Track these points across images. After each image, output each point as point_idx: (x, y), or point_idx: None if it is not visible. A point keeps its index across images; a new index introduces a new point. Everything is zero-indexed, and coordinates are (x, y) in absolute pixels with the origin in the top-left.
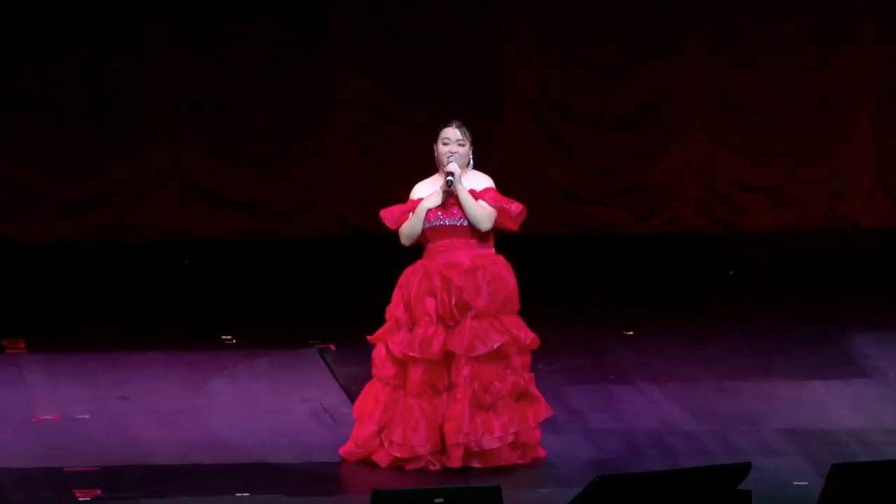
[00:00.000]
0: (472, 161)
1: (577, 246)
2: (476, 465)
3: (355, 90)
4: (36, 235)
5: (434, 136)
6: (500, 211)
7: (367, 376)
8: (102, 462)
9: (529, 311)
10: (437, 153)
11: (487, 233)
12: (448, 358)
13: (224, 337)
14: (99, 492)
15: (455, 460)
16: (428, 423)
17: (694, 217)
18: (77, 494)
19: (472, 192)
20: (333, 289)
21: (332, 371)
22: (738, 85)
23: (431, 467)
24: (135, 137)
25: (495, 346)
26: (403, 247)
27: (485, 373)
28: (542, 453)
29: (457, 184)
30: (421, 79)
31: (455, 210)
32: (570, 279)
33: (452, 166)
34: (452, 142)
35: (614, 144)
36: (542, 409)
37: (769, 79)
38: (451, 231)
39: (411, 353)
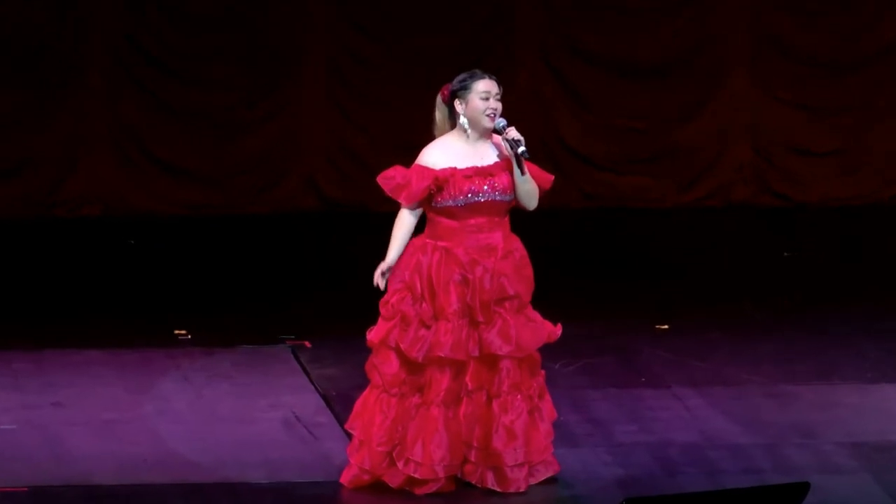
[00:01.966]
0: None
1: (595, 221)
2: (493, 485)
3: (330, 35)
4: None
5: (435, 87)
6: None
7: (349, 378)
8: (32, 481)
9: (539, 300)
10: (467, 109)
11: (508, 213)
12: (487, 361)
13: (177, 331)
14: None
15: (519, 484)
16: (451, 439)
17: (739, 187)
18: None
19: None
20: (308, 273)
21: (307, 373)
22: (793, 29)
23: (446, 489)
24: (66, 92)
25: (540, 342)
26: (396, 219)
27: (527, 375)
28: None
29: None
30: (409, 20)
31: (505, 181)
32: (589, 262)
33: (513, 131)
34: (492, 96)
35: (642, 98)
36: (551, 414)
37: (830, 23)
38: (492, 207)
39: (440, 354)
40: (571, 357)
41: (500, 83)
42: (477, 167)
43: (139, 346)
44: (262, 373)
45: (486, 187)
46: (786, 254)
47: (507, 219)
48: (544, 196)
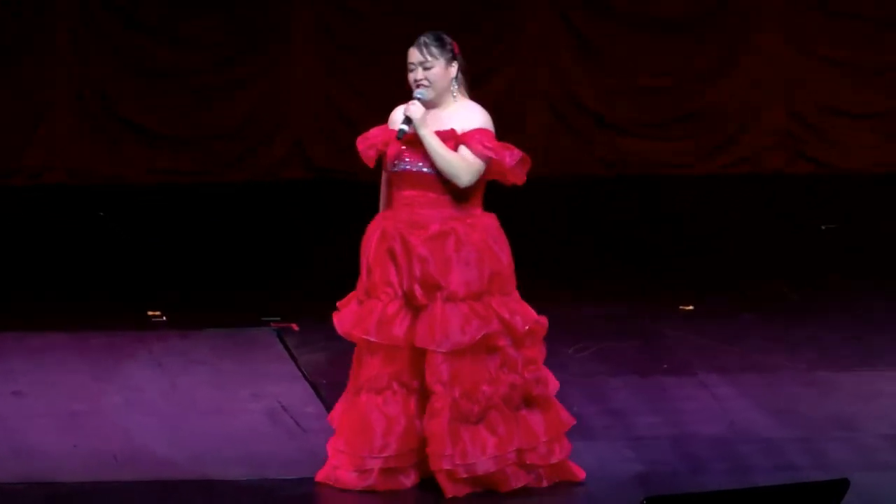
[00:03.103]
0: (455, 86)
1: (614, 190)
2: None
3: None
4: None
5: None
6: (492, 163)
7: (340, 365)
8: None
9: (551, 278)
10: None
11: (471, 188)
12: (422, 352)
13: (151, 312)
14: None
15: (447, 490)
16: (387, 429)
17: (773, 153)
18: None
19: (448, 133)
20: (295, 249)
21: (294, 358)
22: None
23: (403, 482)
24: (27, 50)
25: (477, 336)
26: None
27: (468, 374)
28: (577, 475)
29: (420, 128)
30: None
31: (423, 152)
32: (607, 234)
33: (414, 108)
34: (416, 66)
35: (665, 55)
36: (559, 419)
37: None
38: (421, 180)
39: (363, 336)
40: (587, 341)
41: (429, 47)
42: (411, 135)
43: (107, 328)
44: (244, 359)
45: (407, 157)
46: (823, 227)
47: (447, 197)
48: (558, 162)
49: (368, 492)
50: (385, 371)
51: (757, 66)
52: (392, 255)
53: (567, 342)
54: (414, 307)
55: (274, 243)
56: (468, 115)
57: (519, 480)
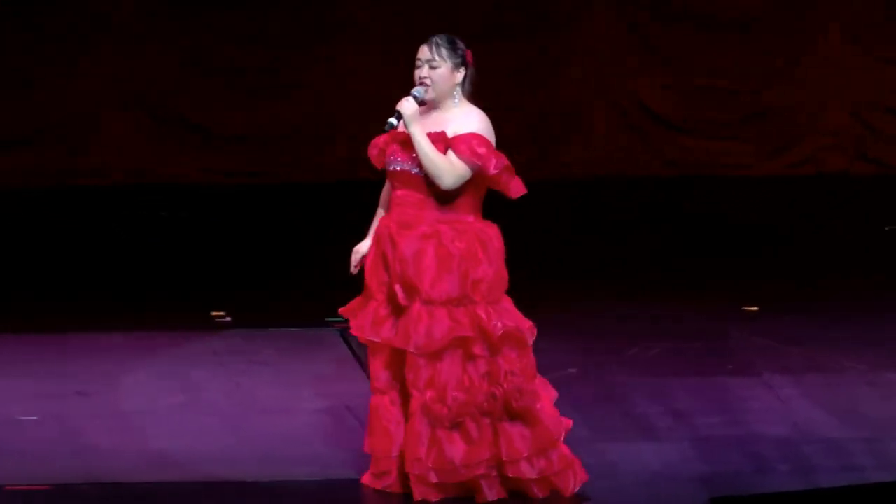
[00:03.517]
0: (459, 90)
1: (677, 190)
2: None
3: None
4: None
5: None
6: (477, 169)
7: None
8: (51, 478)
9: (613, 277)
10: None
11: (458, 192)
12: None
13: (214, 313)
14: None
15: (415, 493)
16: (396, 430)
17: (835, 154)
18: None
19: (438, 135)
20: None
21: (357, 358)
22: None
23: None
24: (86, 49)
25: (445, 341)
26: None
27: (442, 378)
28: (565, 488)
29: (409, 124)
30: None
31: (415, 153)
32: (668, 235)
33: (406, 104)
34: (423, 63)
35: (729, 55)
36: (546, 433)
37: None
38: (410, 180)
39: (358, 335)
40: (651, 341)
41: (440, 48)
42: (407, 135)
43: (171, 329)
44: (308, 359)
45: (399, 157)
46: (887, 228)
47: (433, 200)
48: (620, 162)
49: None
50: (386, 372)
51: (819, 67)
52: (384, 256)
53: (631, 342)
54: (397, 307)
55: (337, 244)
56: (465, 120)
57: (494, 492)
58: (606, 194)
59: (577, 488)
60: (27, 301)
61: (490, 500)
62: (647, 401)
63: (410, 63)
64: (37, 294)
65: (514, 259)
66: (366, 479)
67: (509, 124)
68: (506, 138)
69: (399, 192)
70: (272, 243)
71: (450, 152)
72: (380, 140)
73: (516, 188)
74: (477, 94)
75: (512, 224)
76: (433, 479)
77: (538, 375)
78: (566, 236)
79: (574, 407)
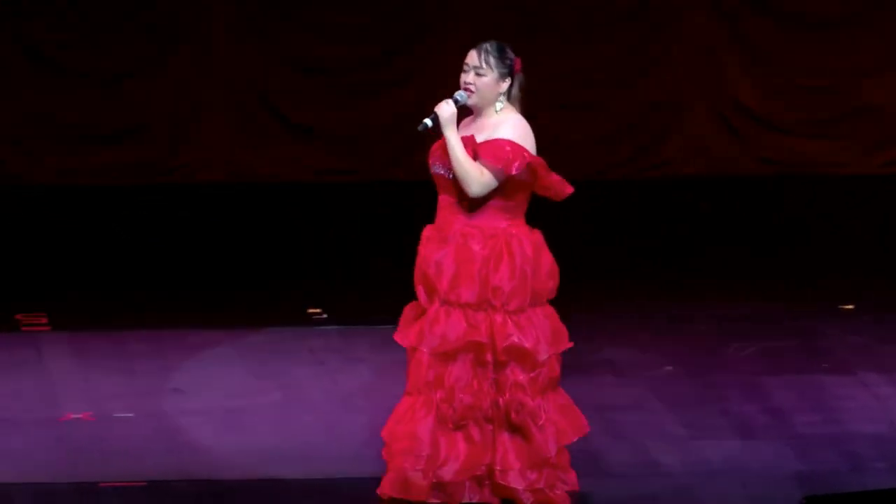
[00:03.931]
0: (503, 98)
1: (773, 189)
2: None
3: None
4: (50, 177)
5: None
6: (500, 175)
7: None
8: (148, 475)
9: (712, 276)
10: None
11: (488, 197)
12: None
13: (311, 310)
14: None
15: (412, 491)
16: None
17: None
18: None
19: (467, 139)
20: None
21: None
22: None
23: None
24: (183, 46)
25: (458, 344)
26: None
27: (451, 379)
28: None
29: (445, 127)
30: None
31: (448, 158)
32: (766, 234)
33: (445, 107)
34: (470, 69)
35: (826, 53)
36: (539, 452)
37: None
38: (445, 184)
39: (396, 338)
40: (747, 340)
41: (488, 56)
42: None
43: (267, 325)
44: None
45: (438, 161)
46: None
47: (465, 203)
48: (718, 161)
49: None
50: (411, 374)
51: None
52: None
53: (728, 341)
54: (421, 308)
55: None
56: (500, 127)
57: (477, 497)
58: (705, 194)
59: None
60: (123, 298)
61: (467, 501)
62: (742, 399)
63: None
64: (132, 291)
65: (608, 258)
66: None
67: (605, 122)
68: (602, 136)
69: (441, 197)
70: (370, 240)
71: (478, 159)
72: (439, 144)
73: (559, 189)
74: (560, 94)
75: (608, 221)
76: (431, 478)
77: (572, 407)
78: (661, 235)
79: (670, 405)
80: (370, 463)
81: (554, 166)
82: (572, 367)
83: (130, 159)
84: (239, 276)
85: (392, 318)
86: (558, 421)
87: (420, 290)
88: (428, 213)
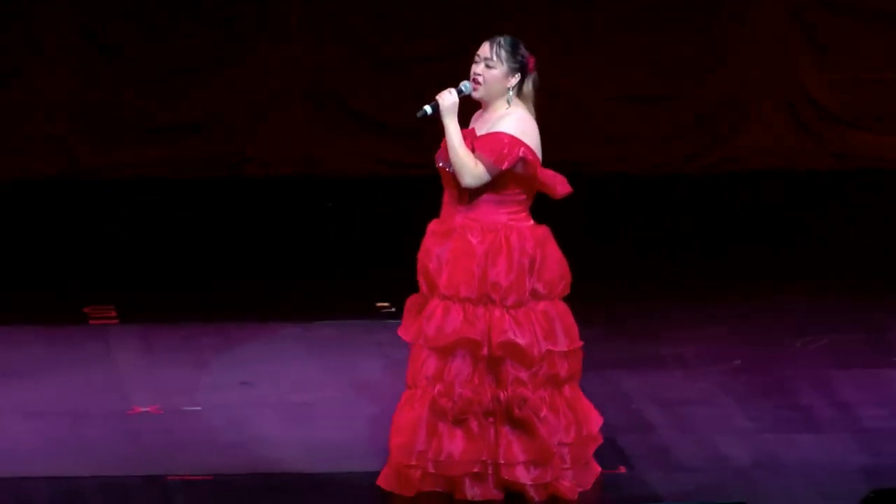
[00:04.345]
0: (511, 93)
1: (845, 184)
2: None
3: None
4: (121, 171)
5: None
6: (492, 168)
7: (591, 356)
8: (217, 469)
9: (780, 270)
10: None
11: (484, 190)
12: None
13: (379, 304)
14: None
15: (414, 484)
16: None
17: None
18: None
19: (467, 132)
20: None
21: None
22: None
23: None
24: (260, 36)
25: (454, 338)
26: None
27: (451, 373)
28: (568, 495)
29: (444, 116)
30: None
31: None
32: (835, 228)
33: (447, 96)
34: (480, 61)
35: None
36: (543, 447)
37: None
38: (447, 177)
39: (399, 332)
40: (815, 334)
41: (501, 49)
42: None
43: (336, 319)
44: None
45: (441, 155)
46: None
47: (465, 196)
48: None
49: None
50: (411, 368)
51: None
52: (427, 253)
53: (795, 335)
54: (423, 301)
55: None
56: (502, 121)
57: (478, 492)
58: (775, 188)
59: (586, 488)
60: (191, 291)
61: (469, 498)
62: (810, 392)
63: (584, 56)
64: (202, 284)
65: (677, 253)
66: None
67: (675, 115)
68: (671, 131)
69: (446, 191)
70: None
71: (475, 151)
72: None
73: (554, 186)
74: (629, 87)
75: (675, 216)
76: (431, 469)
77: (581, 401)
78: (729, 229)
79: (738, 398)
80: None
81: (622, 160)
82: (642, 361)
83: (202, 153)
84: (308, 268)
85: None
86: (566, 415)
87: (422, 283)
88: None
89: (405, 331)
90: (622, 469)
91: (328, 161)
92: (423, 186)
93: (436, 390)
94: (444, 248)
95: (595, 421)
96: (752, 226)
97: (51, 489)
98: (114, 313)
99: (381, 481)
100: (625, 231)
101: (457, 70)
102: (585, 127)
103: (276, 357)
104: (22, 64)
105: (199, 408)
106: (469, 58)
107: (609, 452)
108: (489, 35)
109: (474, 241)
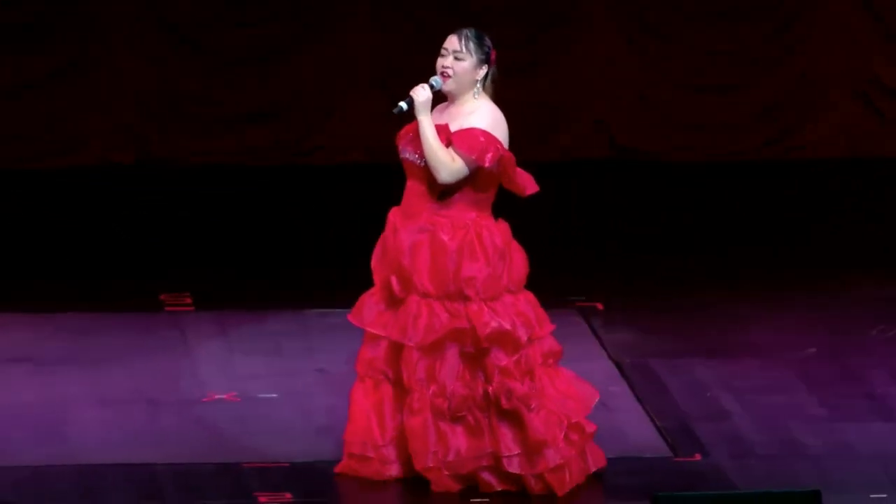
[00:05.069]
0: (479, 86)
1: None
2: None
3: None
4: (194, 159)
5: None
6: (472, 165)
7: (645, 345)
8: (293, 457)
9: (851, 259)
10: None
11: (458, 187)
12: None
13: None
14: (289, 496)
15: (435, 484)
16: (376, 415)
17: None
18: (260, 499)
19: (441, 127)
20: (598, 227)
21: (598, 338)
22: None
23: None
24: (329, 24)
25: (442, 333)
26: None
27: (442, 372)
28: (558, 487)
29: (419, 112)
30: None
31: (419, 143)
32: None
33: (420, 91)
34: (448, 53)
35: None
36: (534, 437)
37: None
38: (415, 171)
39: (367, 327)
40: (891, 322)
41: (469, 41)
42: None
43: None
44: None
45: (409, 147)
46: None
47: (436, 192)
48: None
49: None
50: (364, 357)
51: None
52: (385, 244)
53: (871, 323)
54: (393, 298)
55: (575, 223)
56: (475, 115)
57: (494, 484)
58: (845, 177)
59: (580, 481)
60: (267, 278)
61: (497, 489)
62: (885, 382)
63: (645, 43)
64: (275, 270)
65: (750, 240)
66: (342, 467)
67: (745, 105)
68: (742, 119)
69: (409, 182)
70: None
71: (451, 147)
72: (410, 128)
73: (524, 185)
74: (699, 76)
75: (747, 204)
76: (445, 470)
77: (572, 385)
78: (802, 217)
79: (812, 386)
80: None
81: (692, 148)
82: (717, 349)
83: (270, 140)
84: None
85: (539, 300)
86: (560, 402)
87: (394, 280)
88: (580, 193)
89: (381, 326)
90: (697, 456)
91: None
92: None
93: (430, 391)
94: (416, 243)
95: (589, 400)
96: (823, 213)
97: (126, 477)
98: (189, 300)
99: (340, 467)
100: (695, 218)
101: (533, 57)
102: (657, 116)
103: (351, 344)
104: (95, 53)
105: (274, 395)
106: (545, 47)
107: (684, 440)
108: (563, 24)
109: (446, 238)
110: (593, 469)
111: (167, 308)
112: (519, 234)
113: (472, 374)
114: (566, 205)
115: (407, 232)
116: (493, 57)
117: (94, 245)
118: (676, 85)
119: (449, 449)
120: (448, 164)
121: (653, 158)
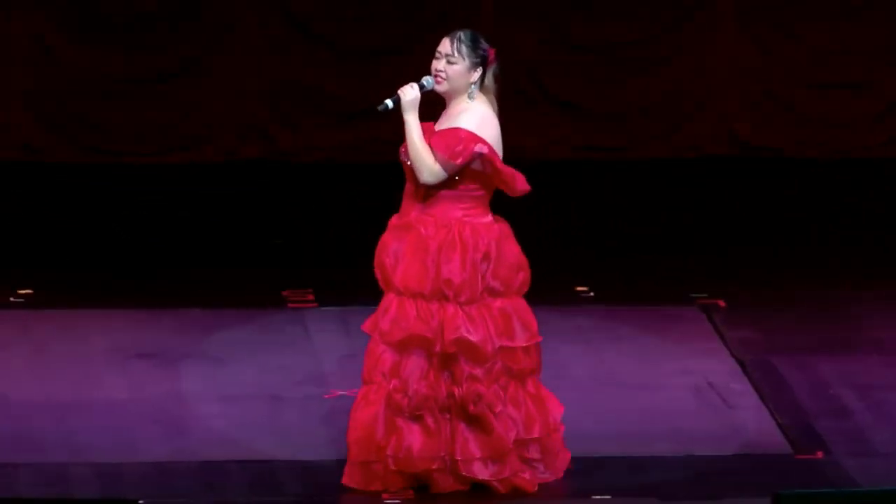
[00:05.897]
0: (474, 88)
1: None
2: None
3: None
4: (318, 154)
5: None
6: (447, 164)
7: (768, 342)
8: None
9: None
10: None
11: (442, 186)
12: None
13: (578, 287)
14: (412, 493)
15: (384, 481)
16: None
17: None
18: (382, 495)
19: (425, 127)
20: (719, 226)
21: (720, 335)
22: None
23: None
24: (438, 22)
25: (406, 333)
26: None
27: (406, 369)
28: (527, 488)
29: (406, 112)
30: None
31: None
32: None
33: (408, 90)
34: (441, 57)
35: None
36: (499, 443)
37: None
38: (408, 171)
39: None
40: None
41: (461, 45)
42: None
43: (532, 303)
44: (670, 335)
45: (404, 149)
46: None
47: (421, 191)
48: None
49: None
50: (367, 362)
51: None
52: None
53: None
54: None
55: (700, 221)
56: (463, 116)
57: (448, 485)
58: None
59: (557, 476)
60: (347, 271)
61: (442, 490)
62: None
63: (764, 39)
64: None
65: (873, 235)
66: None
67: (867, 102)
68: (864, 116)
69: (406, 186)
70: (632, 217)
71: (431, 147)
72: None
73: (512, 185)
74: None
75: (870, 200)
76: (392, 466)
77: (543, 399)
78: None
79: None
80: (633, 441)
81: (815, 146)
82: (839, 346)
83: (389, 136)
84: None
85: (659, 297)
86: (530, 410)
87: (378, 278)
88: (683, 190)
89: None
90: (819, 454)
91: (526, 145)
92: (617, 170)
93: (391, 385)
94: (400, 243)
95: (556, 410)
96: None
97: (247, 472)
98: (312, 297)
99: (346, 479)
100: (820, 214)
101: (654, 54)
102: (784, 113)
103: None
104: (220, 48)
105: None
106: (661, 43)
107: (806, 438)
108: (686, 20)
109: (427, 236)
110: (562, 469)
111: (290, 304)
112: (636, 230)
113: (436, 375)
114: (686, 200)
115: (394, 230)
116: (491, 57)
117: (218, 240)
118: (806, 84)
119: (401, 446)
120: (429, 164)
121: (781, 154)
